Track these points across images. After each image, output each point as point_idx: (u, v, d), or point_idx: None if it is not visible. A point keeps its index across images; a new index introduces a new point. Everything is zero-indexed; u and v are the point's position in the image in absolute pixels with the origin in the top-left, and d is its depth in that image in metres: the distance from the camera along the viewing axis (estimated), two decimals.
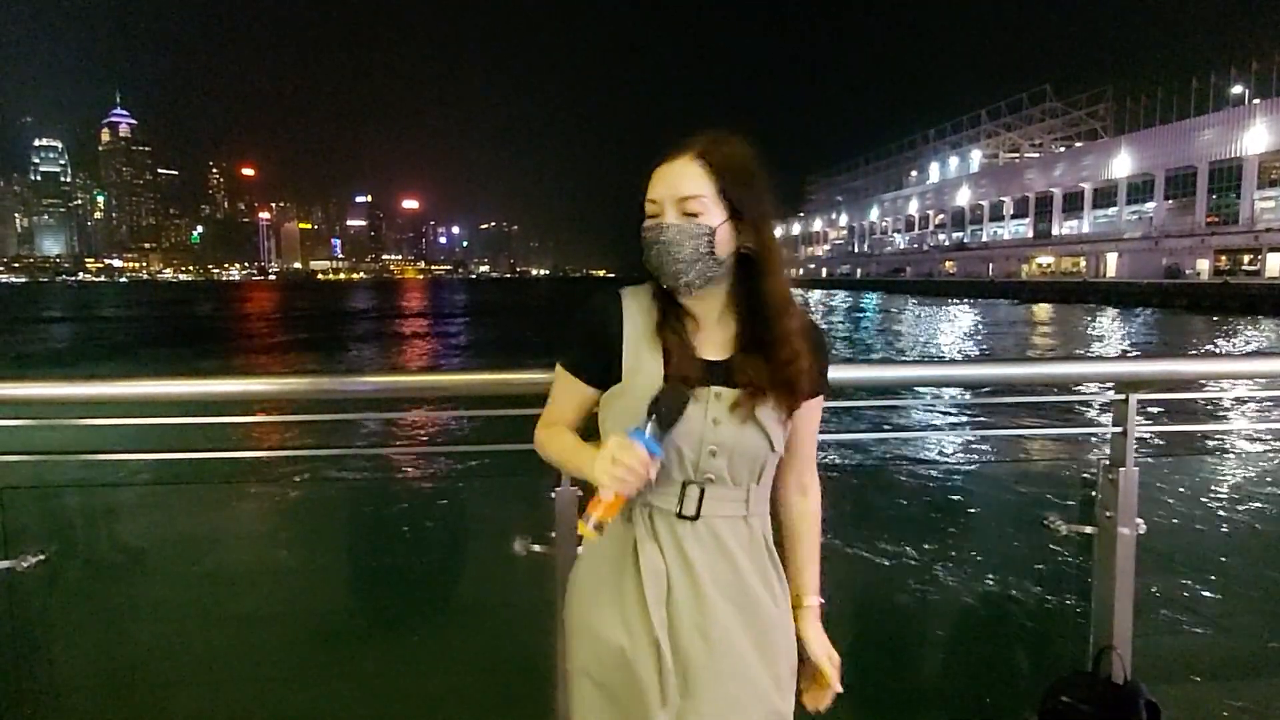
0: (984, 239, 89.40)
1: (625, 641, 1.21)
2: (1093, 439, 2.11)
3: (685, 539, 1.21)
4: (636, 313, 1.25)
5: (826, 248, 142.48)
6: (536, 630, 1.72)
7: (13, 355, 27.71)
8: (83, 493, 2.10)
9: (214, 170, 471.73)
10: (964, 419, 11.01)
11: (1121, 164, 68.10)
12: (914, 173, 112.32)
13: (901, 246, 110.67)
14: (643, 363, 1.20)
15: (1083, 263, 70.23)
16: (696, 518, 1.21)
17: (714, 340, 1.24)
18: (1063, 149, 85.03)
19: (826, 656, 1.34)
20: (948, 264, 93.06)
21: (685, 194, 1.17)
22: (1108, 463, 1.96)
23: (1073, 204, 75.44)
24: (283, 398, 1.78)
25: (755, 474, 1.24)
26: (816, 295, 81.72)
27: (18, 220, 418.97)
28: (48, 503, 1.99)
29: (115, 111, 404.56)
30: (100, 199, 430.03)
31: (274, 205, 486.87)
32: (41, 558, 1.84)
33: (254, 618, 2.14)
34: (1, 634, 1.87)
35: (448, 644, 2.17)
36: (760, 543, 1.27)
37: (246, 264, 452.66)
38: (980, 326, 37.18)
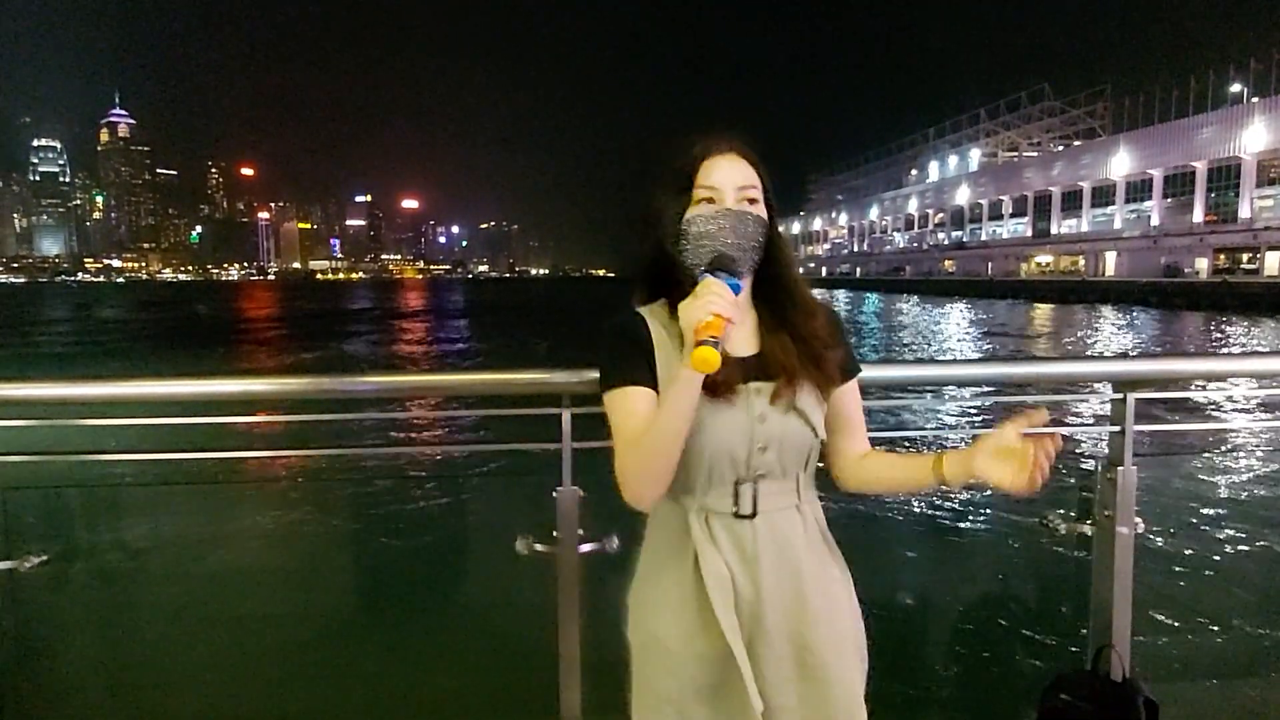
0: (983, 238, 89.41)
1: (700, 650, 1.20)
2: (1091, 438, 2.11)
3: (744, 538, 1.21)
4: (659, 326, 1.25)
5: (826, 247, 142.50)
6: (539, 629, 1.72)
7: (14, 355, 27.68)
8: (84, 493, 2.11)
9: (213, 170, 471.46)
10: (963, 418, 11.02)
11: (1120, 163, 68.12)
12: (913, 172, 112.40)
13: (901, 245, 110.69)
14: (677, 371, 1.15)
15: (1081, 261, 70.24)
16: (754, 515, 1.21)
17: (740, 336, 1.24)
18: (1061, 148, 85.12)
19: (1007, 437, 1.20)
20: (947, 263, 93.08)
21: (744, 183, 1.22)
22: (1106, 462, 1.97)
23: (1071, 203, 75.45)
24: (284, 398, 1.79)
25: (803, 462, 1.25)
26: (816, 294, 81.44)
27: (17, 220, 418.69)
28: (49, 503, 1.99)
29: (114, 111, 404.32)
30: (99, 199, 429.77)
31: (273, 205, 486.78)
32: (43, 558, 1.84)
33: (256, 617, 2.14)
34: (3, 634, 1.87)
35: (451, 643, 2.17)
36: (815, 527, 1.28)
37: (245, 264, 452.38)
38: (981, 325, 37.19)
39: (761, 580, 1.21)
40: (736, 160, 1.24)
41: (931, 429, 9.90)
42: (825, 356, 1.24)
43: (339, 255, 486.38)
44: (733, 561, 1.21)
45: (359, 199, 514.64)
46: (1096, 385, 2.06)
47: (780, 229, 1.28)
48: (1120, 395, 1.94)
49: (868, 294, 78.10)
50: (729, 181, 1.22)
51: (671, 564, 1.25)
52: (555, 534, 1.74)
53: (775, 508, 1.23)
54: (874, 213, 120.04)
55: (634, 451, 1.17)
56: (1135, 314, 41.68)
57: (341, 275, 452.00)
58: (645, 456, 1.16)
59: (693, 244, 1.22)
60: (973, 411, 10.76)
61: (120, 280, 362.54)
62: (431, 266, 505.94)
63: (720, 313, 1.08)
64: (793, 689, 1.22)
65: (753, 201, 1.23)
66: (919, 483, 1.28)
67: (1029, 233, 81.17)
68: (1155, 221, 63.65)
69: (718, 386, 1.17)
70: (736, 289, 1.13)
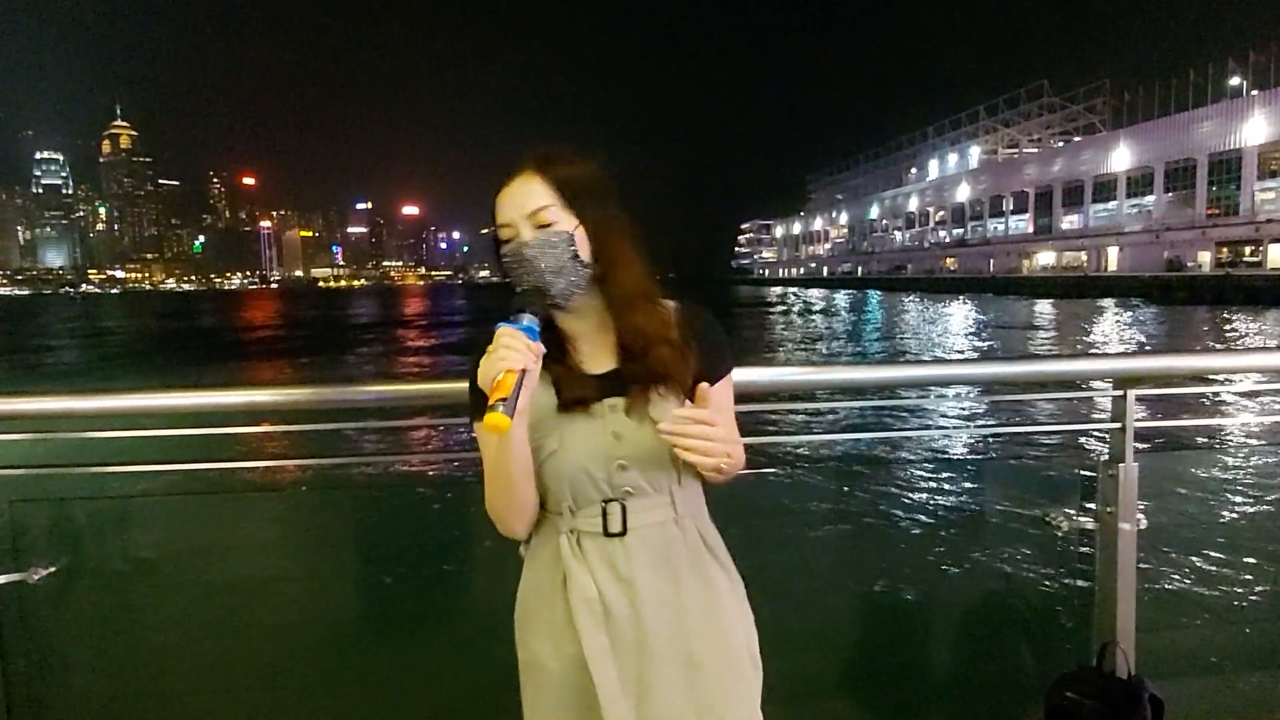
0: (985, 235, 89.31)
1: (564, 670, 1.19)
2: (1092, 435, 2.12)
3: (617, 557, 1.19)
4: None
5: (828, 246, 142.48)
6: None
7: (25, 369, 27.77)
8: (92, 505, 2.12)
9: (215, 180, 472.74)
10: (964, 417, 11.01)
11: (1121, 157, 68.03)
12: (914, 170, 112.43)
13: (902, 244, 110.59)
14: (536, 395, 1.14)
15: (1083, 257, 70.13)
16: (624, 533, 1.18)
17: (600, 353, 1.22)
18: (1061, 144, 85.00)
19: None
20: (949, 260, 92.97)
21: (534, 207, 1.16)
22: (1107, 458, 1.97)
23: (1073, 198, 75.36)
24: (287, 408, 1.79)
25: (673, 473, 1.21)
26: (817, 294, 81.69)
27: (20, 233, 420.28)
28: (57, 515, 2.01)
29: (116, 123, 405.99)
30: (102, 210, 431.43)
31: (275, 214, 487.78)
32: (52, 570, 1.86)
33: (264, 627, 2.15)
34: (13, 645, 1.88)
35: (455, 650, 2.18)
36: (697, 540, 1.24)
37: (248, 273, 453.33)
38: (985, 322, 37.14)
39: (638, 598, 1.18)
40: (527, 181, 1.17)
41: (932, 429, 9.93)
42: (665, 367, 1.18)
43: (341, 263, 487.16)
44: (606, 581, 1.18)
45: (360, 206, 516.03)
46: (1097, 382, 2.07)
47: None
48: (1120, 392, 1.94)
49: (869, 292, 78.04)
50: (518, 211, 1.17)
51: (545, 584, 1.23)
52: None
53: (647, 524, 1.19)
54: (874, 211, 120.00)
55: (488, 494, 1.22)
56: (1138, 309, 41.60)
57: (344, 283, 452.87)
58: (491, 498, 1.21)
59: (514, 278, 1.18)
60: (974, 411, 10.76)
61: (114, 292, 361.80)
62: (433, 273, 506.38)
63: (510, 367, 1.05)
64: (682, 704, 1.19)
65: (548, 223, 1.16)
66: None
67: (1030, 229, 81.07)
68: (1157, 216, 63.51)
69: (572, 406, 1.16)
70: (532, 332, 1.09)
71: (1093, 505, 2.00)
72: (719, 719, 1.20)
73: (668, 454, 1.15)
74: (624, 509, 1.18)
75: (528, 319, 1.11)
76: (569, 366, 1.20)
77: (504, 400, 1.03)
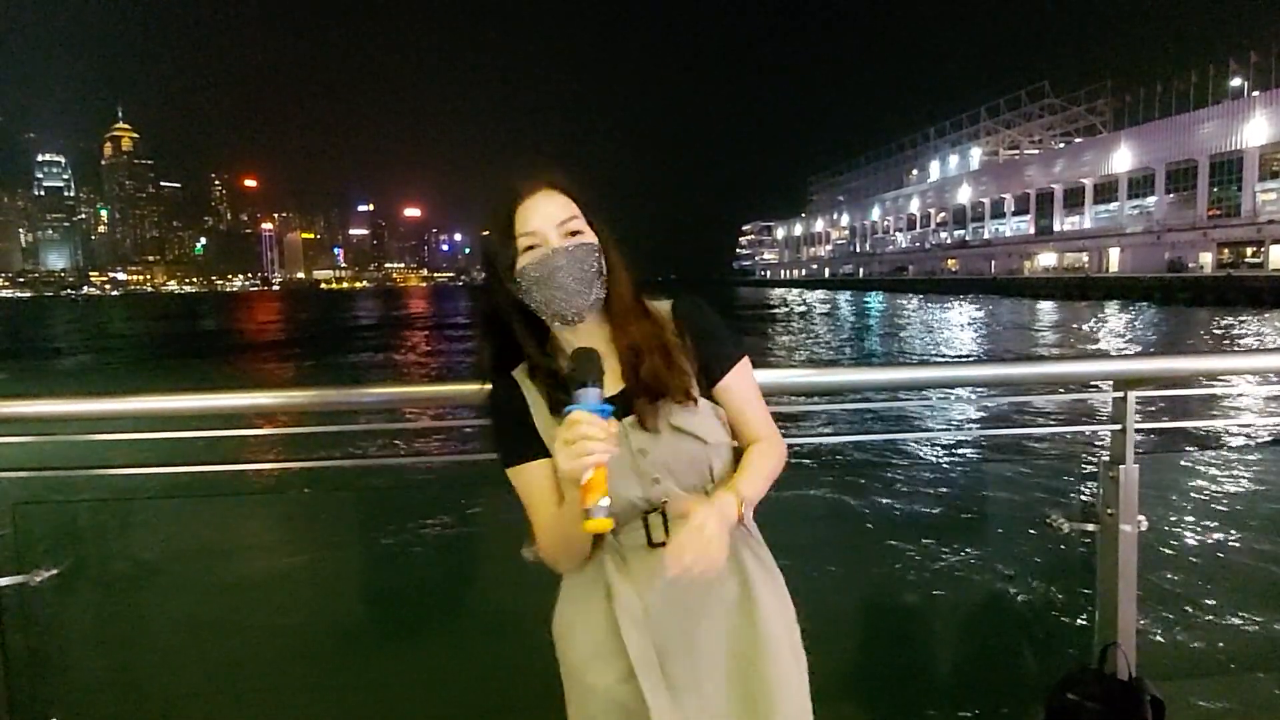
0: (986, 236, 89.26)
1: (609, 685, 1.19)
2: (1093, 436, 2.12)
3: (660, 568, 1.15)
4: (533, 387, 1.23)
5: (829, 248, 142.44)
6: (548, 637, 1.73)
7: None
8: (95, 507, 2.12)
9: (217, 182, 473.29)
10: (965, 419, 11.00)
11: (1122, 159, 67.97)
12: (915, 171, 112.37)
13: (904, 245, 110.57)
14: (557, 432, 1.11)
15: (1085, 258, 70.06)
16: (667, 543, 1.17)
17: (610, 372, 1.19)
18: (1063, 145, 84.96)
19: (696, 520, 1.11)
20: (950, 262, 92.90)
21: (564, 217, 1.18)
22: (1108, 459, 1.97)
23: (1074, 200, 75.31)
24: (291, 410, 1.80)
25: (706, 474, 1.21)
26: (818, 295, 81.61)
27: (22, 235, 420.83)
28: (61, 518, 2.01)
29: (118, 125, 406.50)
30: (104, 213, 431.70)
31: (277, 215, 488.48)
32: (55, 572, 1.86)
33: (267, 629, 2.16)
34: (16, 648, 1.88)
35: (458, 652, 2.18)
36: (738, 536, 1.24)
37: (250, 274, 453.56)
38: (988, 323, 37.10)
39: (684, 605, 1.19)
40: (551, 195, 1.19)
41: (933, 431, 9.93)
42: (665, 372, 1.18)
43: (343, 264, 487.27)
44: (651, 593, 1.18)
45: (362, 208, 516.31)
46: (1097, 384, 2.07)
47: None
48: (1121, 393, 1.94)
49: (870, 294, 77.99)
50: (548, 221, 1.17)
51: (586, 597, 1.24)
52: None
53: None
54: (876, 213, 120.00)
55: (549, 540, 1.21)
56: (1140, 310, 41.55)
57: (345, 284, 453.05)
58: (549, 546, 1.21)
59: (534, 292, 1.17)
60: (975, 413, 10.75)
61: (114, 294, 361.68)
62: (435, 274, 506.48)
63: (600, 463, 1.03)
64: (729, 708, 1.19)
65: (576, 233, 1.18)
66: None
67: (1032, 230, 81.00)
68: (1158, 217, 63.45)
69: None
70: (605, 411, 1.06)
71: (1094, 506, 2.00)
72: (765, 716, 1.19)
73: (697, 457, 1.18)
74: (664, 517, 1.18)
75: (593, 394, 1.06)
76: None
77: (602, 502, 1.02)
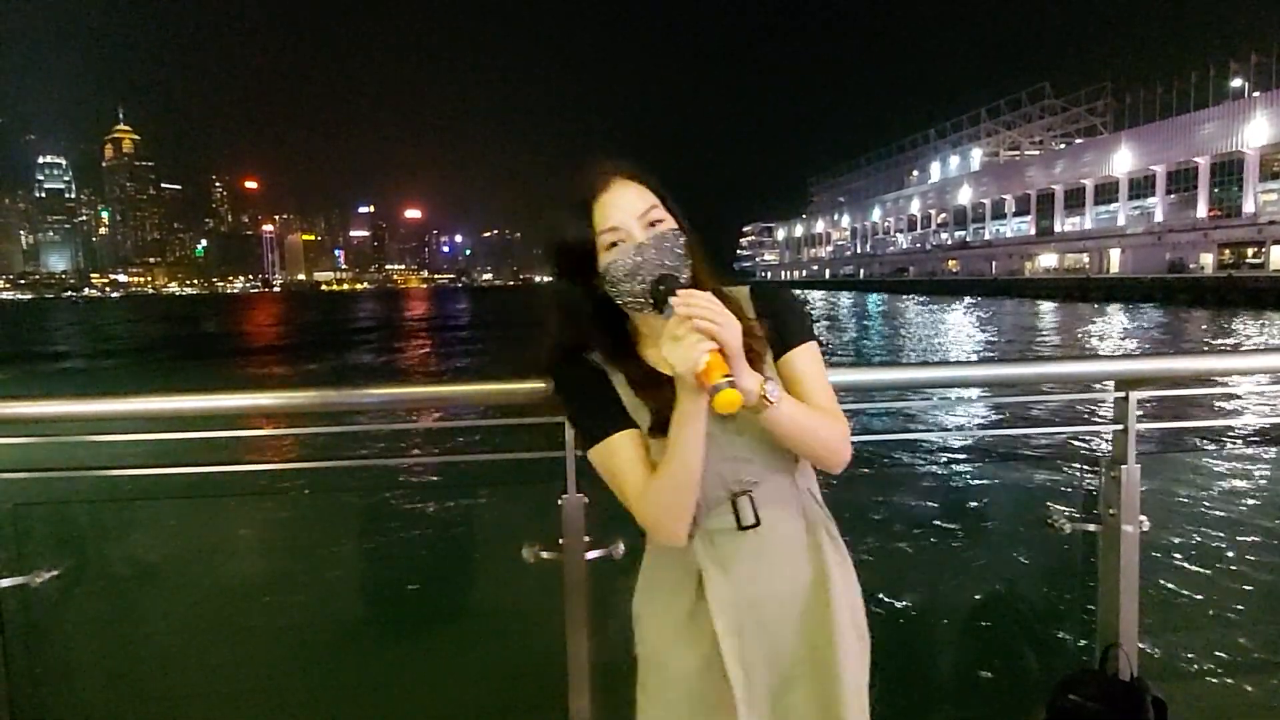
0: (987, 237, 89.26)
1: (689, 671, 1.21)
2: (1095, 437, 2.12)
3: (751, 550, 1.20)
4: (607, 365, 1.24)
5: (829, 249, 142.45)
6: (547, 636, 1.73)
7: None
8: (94, 508, 2.12)
9: (217, 184, 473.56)
10: (966, 419, 10.99)
11: (1122, 160, 67.95)
12: (915, 172, 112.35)
13: (904, 246, 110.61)
14: (684, 408, 1.11)
15: (1085, 259, 70.05)
16: (758, 524, 1.20)
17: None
18: (1063, 146, 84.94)
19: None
20: (951, 263, 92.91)
21: (646, 207, 1.18)
22: (1109, 460, 1.97)
23: (1074, 201, 75.28)
24: (291, 411, 1.80)
25: (790, 460, 1.23)
26: (819, 296, 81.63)
27: (23, 237, 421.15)
28: (61, 518, 2.01)
29: (119, 127, 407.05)
30: (105, 214, 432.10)
31: (277, 217, 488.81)
32: (55, 573, 1.85)
33: (267, 630, 2.15)
34: (16, 649, 1.88)
35: (459, 652, 2.18)
36: (819, 516, 1.26)
37: (251, 276, 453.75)
38: (988, 324, 37.09)
39: (773, 589, 1.21)
40: (627, 186, 1.18)
41: (934, 431, 9.92)
42: (755, 344, 1.18)
43: (343, 266, 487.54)
44: (742, 579, 1.20)
45: (362, 210, 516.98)
46: (1099, 384, 2.07)
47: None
48: (1123, 394, 1.94)
49: (871, 295, 77.98)
50: (631, 213, 1.17)
51: (671, 582, 1.25)
52: (561, 541, 1.75)
53: (776, 512, 1.22)
54: (876, 214, 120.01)
55: (656, 497, 1.16)
56: (1141, 311, 41.52)
57: (346, 286, 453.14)
58: (671, 497, 1.15)
59: (623, 286, 1.17)
60: (976, 413, 10.75)
61: (114, 295, 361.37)
62: (435, 276, 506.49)
63: (716, 335, 1.02)
64: (808, 695, 1.21)
65: (657, 222, 1.18)
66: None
67: (1032, 231, 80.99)
68: (1159, 218, 63.42)
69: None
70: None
71: (1095, 507, 2.00)
72: (836, 698, 1.21)
73: (783, 439, 1.17)
74: (753, 500, 1.20)
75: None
76: (662, 391, 1.17)
77: (729, 378, 1.01)
